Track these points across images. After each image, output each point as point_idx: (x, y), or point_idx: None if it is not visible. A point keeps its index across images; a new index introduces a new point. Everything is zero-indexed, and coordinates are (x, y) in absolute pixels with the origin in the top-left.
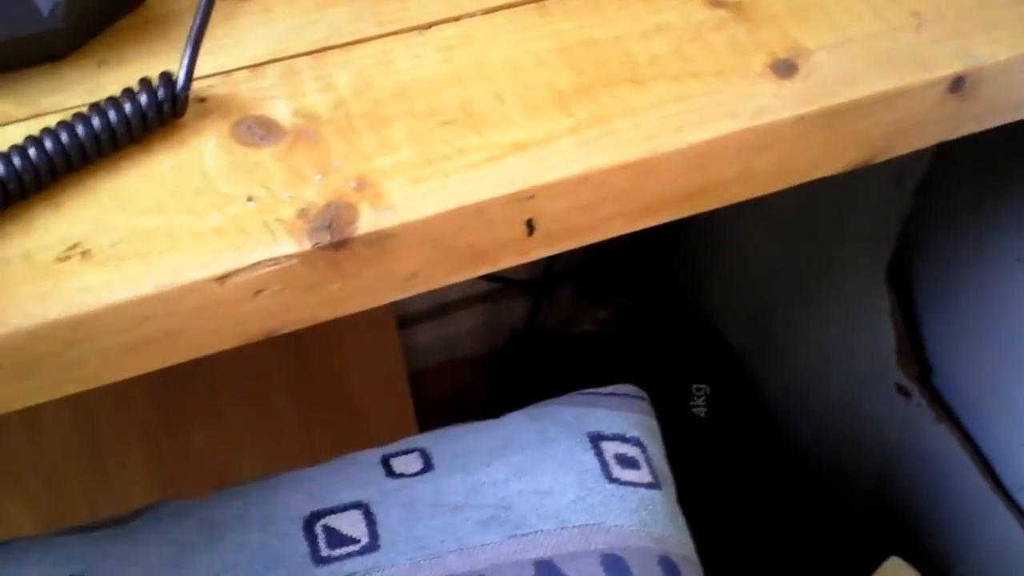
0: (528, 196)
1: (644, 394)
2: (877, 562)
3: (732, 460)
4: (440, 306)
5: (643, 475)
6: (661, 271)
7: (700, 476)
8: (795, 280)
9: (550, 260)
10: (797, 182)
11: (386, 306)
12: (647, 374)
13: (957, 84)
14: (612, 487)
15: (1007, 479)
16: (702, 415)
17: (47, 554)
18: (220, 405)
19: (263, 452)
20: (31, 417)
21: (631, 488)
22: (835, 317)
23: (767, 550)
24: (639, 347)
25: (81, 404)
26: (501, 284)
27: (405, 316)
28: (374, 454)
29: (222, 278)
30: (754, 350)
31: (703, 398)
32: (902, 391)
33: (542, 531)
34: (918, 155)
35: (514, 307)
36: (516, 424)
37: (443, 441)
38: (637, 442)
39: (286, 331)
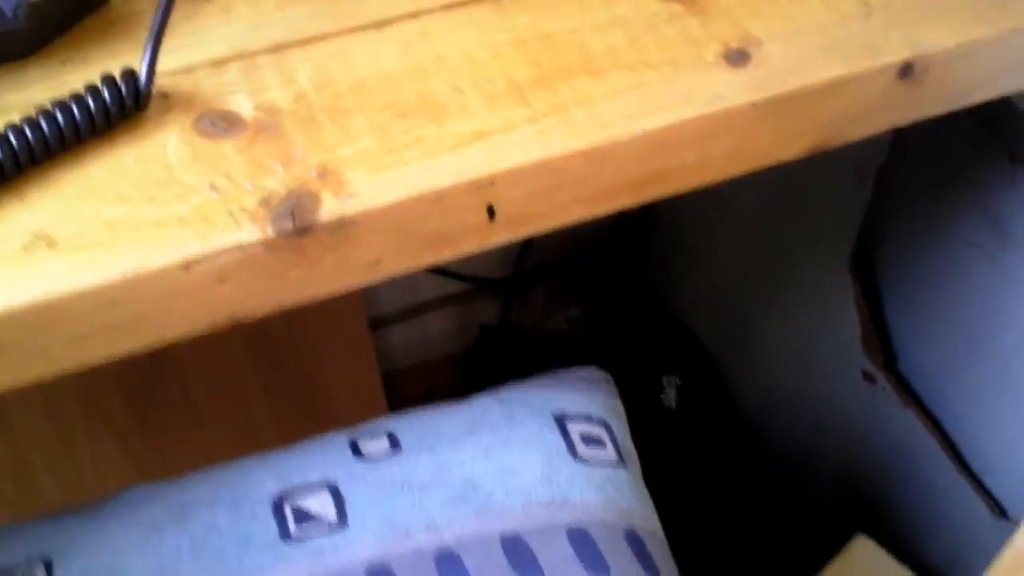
0: (488, 183)
1: (609, 377)
2: (844, 543)
3: (702, 449)
4: (412, 307)
5: (608, 453)
6: (631, 269)
7: (671, 466)
8: (761, 273)
9: (521, 259)
10: (752, 168)
11: (358, 306)
12: (618, 366)
13: (906, 71)
14: (578, 465)
15: (973, 462)
16: (672, 406)
17: (15, 539)
18: (194, 406)
19: (237, 451)
20: (3, 422)
21: (596, 466)
22: (801, 308)
23: (737, 535)
24: (610, 341)
25: (54, 408)
26: (473, 284)
27: (378, 317)
28: (342, 436)
29: (187, 265)
30: (723, 342)
31: (673, 390)
32: (868, 378)
33: (508, 507)
34: (876, 146)
35: (486, 307)
36: (483, 406)
37: (410, 423)
38: (602, 422)
39: (252, 317)
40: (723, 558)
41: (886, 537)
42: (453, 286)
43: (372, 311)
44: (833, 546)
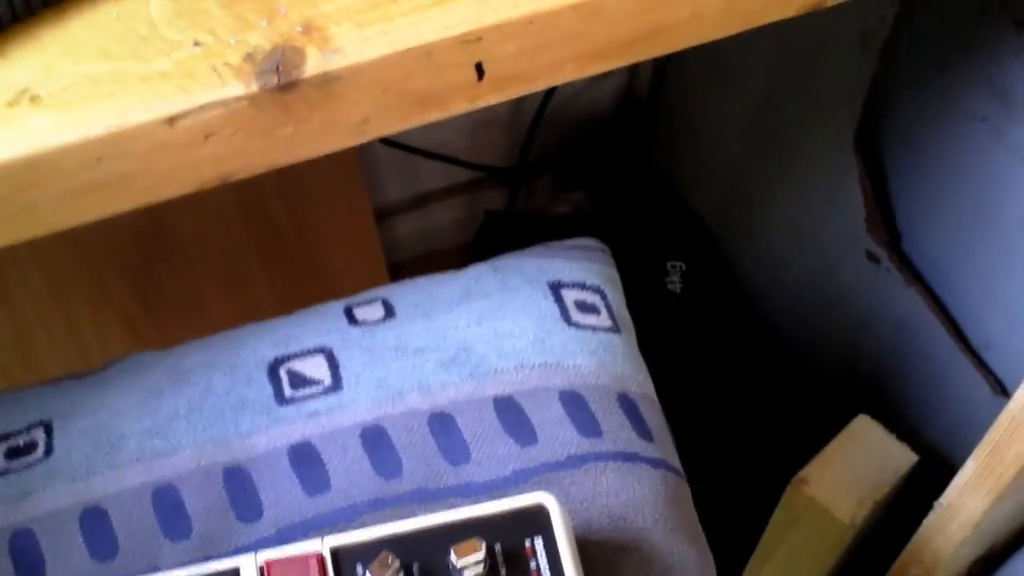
0: (475, 38)
1: (604, 246)
2: (846, 421)
3: (707, 333)
4: (418, 197)
5: (602, 320)
6: (636, 154)
7: (676, 350)
8: (765, 154)
9: (526, 148)
10: (747, 26)
11: (363, 195)
12: (623, 251)
13: None
14: (572, 330)
15: (975, 339)
16: (677, 291)
17: (16, 405)
18: (200, 294)
19: None
20: (6, 301)
21: (590, 331)
22: (805, 188)
23: (740, 416)
24: (614, 226)
25: (57, 287)
26: (478, 172)
27: (383, 208)
28: (337, 304)
29: (171, 120)
30: (728, 226)
31: (678, 274)
32: (872, 257)
33: (502, 370)
34: (881, 18)
35: (492, 197)
36: (477, 274)
37: (405, 290)
38: (597, 289)
39: (240, 176)
40: (727, 438)
41: (888, 416)
42: (458, 176)
43: (377, 202)
44: (835, 425)
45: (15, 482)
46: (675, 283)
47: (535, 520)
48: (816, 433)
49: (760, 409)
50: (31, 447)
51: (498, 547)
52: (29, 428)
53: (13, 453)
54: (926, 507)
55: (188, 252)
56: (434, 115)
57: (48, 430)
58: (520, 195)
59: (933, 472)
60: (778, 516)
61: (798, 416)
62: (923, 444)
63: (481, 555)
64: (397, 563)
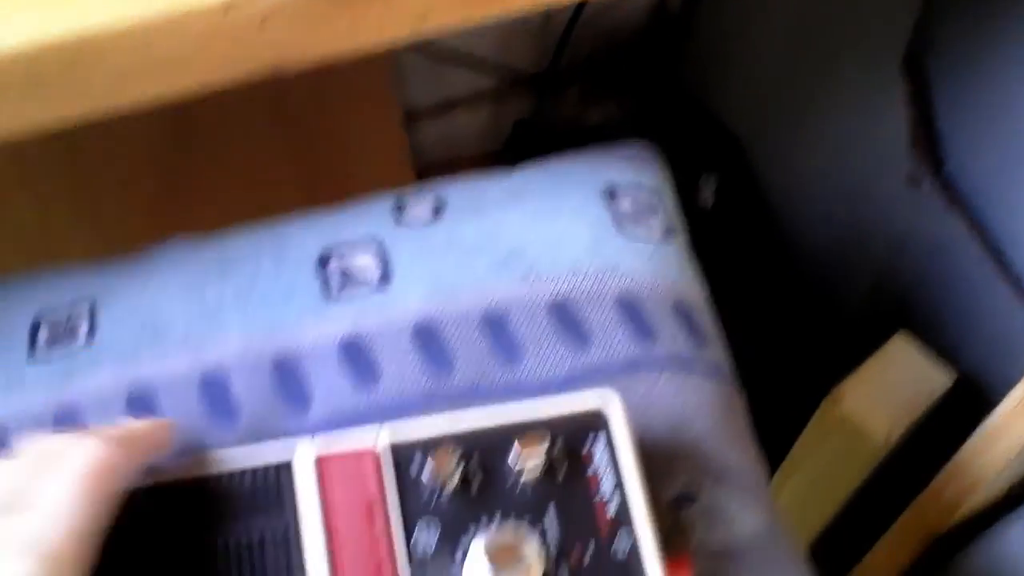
0: None
1: (659, 152)
2: (885, 338)
3: (738, 250)
4: (446, 102)
5: (658, 226)
6: (669, 67)
7: (706, 266)
8: (805, 72)
9: (557, 55)
10: None
11: (391, 97)
12: None
13: None
14: (626, 236)
15: (1016, 266)
16: (708, 206)
17: (59, 282)
18: (225, 186)
19: None
20: (29, 186)
21: (644, 238)
22: (847, 106)
23: (773, 335)
24: (645, 138)
25: (81, 176)
26: (508, 77)
27: (411, 112)
28: (386, 198)
29: (226, 9)
30: (762, 142)
31: (710, 189)
32: (912, 180)
33: (555, 275)
34: None
35: (520, 105)
36: (528, 176)
37: (456, 188)
38: (651, 196)
39: (295, 67)
40: (759, 357)
41: (925, 338)
42: (487, 82)
43: (405, 105)
44: (871, 345)
45: (58, 364)
46: (706, 197)
47: (597, 420)
48: (852, 350)
49: (792, 327)
50: (74, 329)
51: (559, 443)
52: (74, 303)
53: (56, 334)
54: (960, 429)
55: (214, 145)
56: (495, 10)
57: (92, 312)
58: (548, 105)
59: (968, 395)
60: (809, 431)
61: (832, 334)
62: (960, 366)
63: (544, 448)
64: (459, 453)
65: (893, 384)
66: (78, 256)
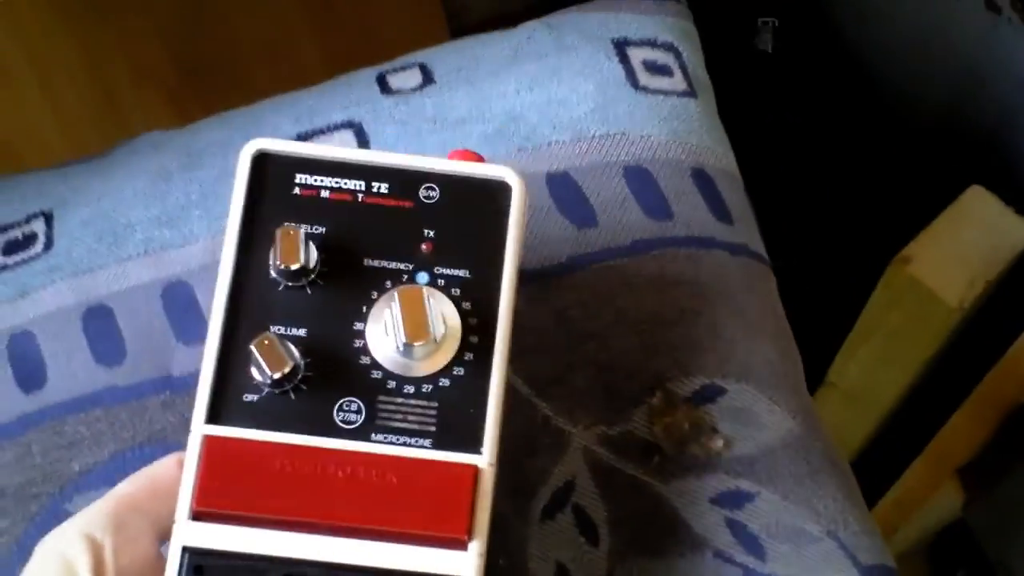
0: None
1: None
2: (956, 193)
3: (801, 98)
4: None
5: (676, 83)
6: None
7: (766, 118)
8: None
9: None
10: None
11: None
12: (704, 6)
13: None
14: (639, 95)
15: None
16: (768, 50)
17: (14, 193)
18: (247, 68)
19: None
20: (45, 78)
21: (661, 96)
22: None
23: (840, 185)
24: None
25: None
26: None
27: None
28: (369, 72)
29: None
30: None
31: (769, 32)
32: (992, 6)
33: (556, 142)
34: None
35: None
36: (530, 32)
37: (445, 54)
38: (670, 47)
39: None
40: (823, 214)
41: (1004, 187)
42: None
43: None
44: (945, 197)
45: (13, 279)
46: (766, 41)
47: (501, 188)
48: (923, 206)
49: (860, 181)
50: (30, 240)
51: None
52: (28, 219)
53: (11, 247)
54: None
55: (233, 22)
56: None
57: (48, 220)
58: None
59: None
60: (877, 297)
61: (903, 187)
62: None
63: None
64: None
65: (967, 242)
66: (99, 148)
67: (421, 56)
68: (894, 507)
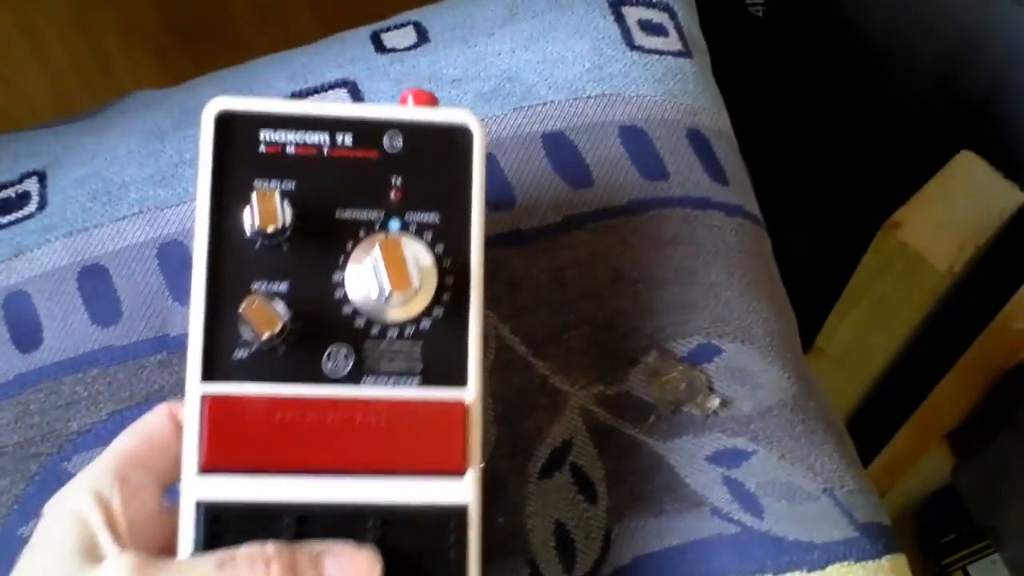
0: None
1: None
2: (947, 158)
3: (793, 61)
4: None
5: (671, 42)
6: None
7: (757, 81)
8: None
9: None
10: None
11: None
12: None
13: None
14: (634, 55)
15: None
16: (760, 13)
17: (7, 149)
18: (238, 28)
19: None
20: (40, 53)
21: (656, 56)
22: None
23: (831, 149)
24: None
25: (88, 31)
26: None
27: None
28: (363, 31)
29: None
30: None
31: None
32: None
33: (552, 102)
34: None
35: None
36: None
37: (440, 12)
38: (665, 7)
39: None
40: (813, 178)
41: (994, 152)
42: None
43: None
44: (934, 163)
45: (7, 239)
46: (758, 5)
47: (462, 133)
48: (912, 172)
49: (851, 145)
50: (23, 199)
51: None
52: (21, 178)
53: (4, 206)
54: None
55: None
56: None
57: (42, 179)
58: None
59: None
60: (867, 261)
61: (893, 153)
62: None
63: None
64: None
65: (957, 206)
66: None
67: (415, 15)
68: (883, 472)
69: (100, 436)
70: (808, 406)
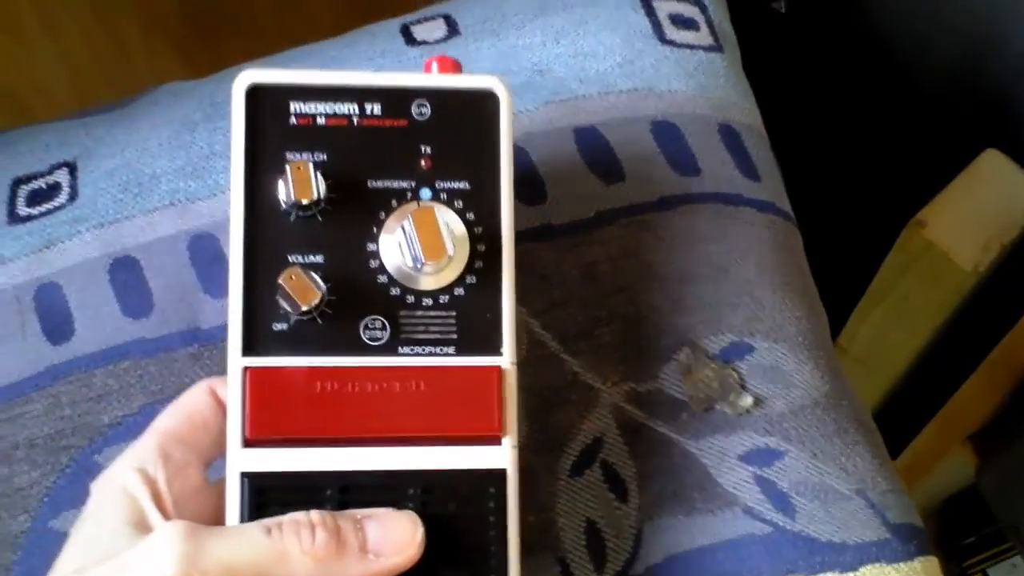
0: None
1: None
2: (972, 156)
3: (816, 59)
4: None
5: (702, 36)
6: None
7: (779, 78)
8: None
9: None
10: None
11: None
12: None
13: None
14: (666, 49)
15: None
16: (782, 9)
17: (36, 142)
18: (257, 20)
19: None
20: (61, 46)
21: (688, 50)
22: None
23: (855, 148)
24: None
25: (109, 23)
26: None
27: None
28: (393, 23)
29: None
30: None
31: None
32: None
33: (584, 96)
34: None
35: None
36: None
37: (471, 5)
38: (695, 1)
39: None
40: (837, 176)
41: (1017, 151)
42: None
43: None
44: (960, 160)
45: (37, 230)
46: (780, 1)
47: (489, 98)
48: (938, 170)
49: (875, 143)
50: (54, 190)
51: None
52: (51, 169)
53: (35, 197)
54: None
55: None
56: None
57: (72, 171)
58: None
59: None
60: (892, 259)
61: (918, 150)
62: None
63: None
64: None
65: (982, 205)
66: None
67: (445, 7)
68: (904, 473)
69: (131, 429)
70: (841, 405)
